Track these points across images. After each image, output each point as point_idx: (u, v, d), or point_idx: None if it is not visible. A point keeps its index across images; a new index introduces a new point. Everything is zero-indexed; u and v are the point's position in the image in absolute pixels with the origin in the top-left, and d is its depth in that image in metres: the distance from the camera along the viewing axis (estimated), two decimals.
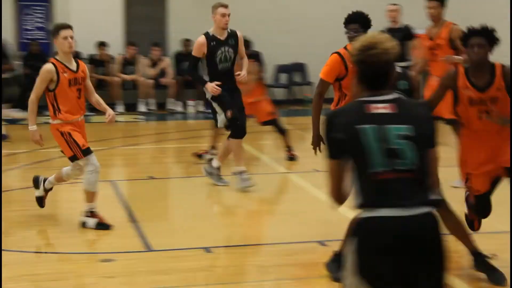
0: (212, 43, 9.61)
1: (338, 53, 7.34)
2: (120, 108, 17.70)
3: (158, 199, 10.55)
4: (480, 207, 7.01)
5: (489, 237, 7.62)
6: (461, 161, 6.93)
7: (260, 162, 12.75)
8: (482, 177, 6.82)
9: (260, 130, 13.52)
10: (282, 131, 12.36)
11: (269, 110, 12.37)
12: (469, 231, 7.21)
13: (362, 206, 4.13)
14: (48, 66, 8.08)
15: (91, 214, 8.37)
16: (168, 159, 13.98)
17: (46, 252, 7.98)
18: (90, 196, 8.36)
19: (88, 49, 17.77)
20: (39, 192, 8.81)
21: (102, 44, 17.98)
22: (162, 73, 18.29)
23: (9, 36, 18.11)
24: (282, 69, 19.04)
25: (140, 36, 18.46)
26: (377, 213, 4.09)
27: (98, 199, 9.31)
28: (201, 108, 17.95)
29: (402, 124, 4.16)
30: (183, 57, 18.15)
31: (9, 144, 13.80)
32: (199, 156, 12.30)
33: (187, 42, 18.17)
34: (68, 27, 8.18)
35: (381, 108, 4.18)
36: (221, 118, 9.89)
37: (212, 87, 9.68)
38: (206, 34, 9.84)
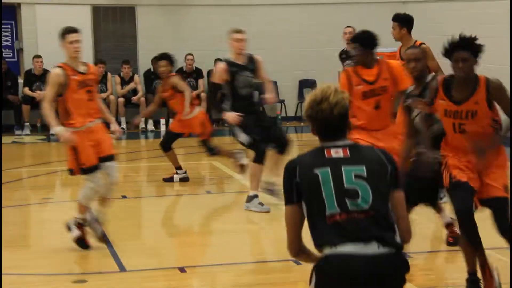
0: (232, 69, 9.63)
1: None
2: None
3: (131, 219, 10.55)
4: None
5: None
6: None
7: (233, 180, 12.78)
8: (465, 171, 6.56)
9: (234, 148, 13.51)
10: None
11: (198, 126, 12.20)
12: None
13: (320, 246, 4.27)
14: (56, 70, 8.01)
15: (78, 225, 8.27)
16: (140, 178, 13.95)
17: (18, 274, 7.88)
18: (82, 208, 8.25)
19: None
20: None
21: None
22: (133, 91, 18.27)
23: None
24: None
25: (109, 54, 18.44)
26: (335, 251, 4.21)
27: (65, 219, 9.29)
28: None
29: (356, 165, 4.32)
30: (153, 75, 18.19)
31: None
32: (169, 179, 12.33)
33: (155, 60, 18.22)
34: (74, 31, 8.19)
35: (337, 152, 4.33)
36: (242, 137, 9.89)
37: (232, 117, 9.72)
38: (226, 60, 9.89)
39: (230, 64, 9.69)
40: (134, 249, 8.67)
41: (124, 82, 18.29)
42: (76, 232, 8.24)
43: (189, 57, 18.23)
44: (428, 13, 16.70)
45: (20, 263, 8.18)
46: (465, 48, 6.31)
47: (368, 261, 4.18)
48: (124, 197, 11.41)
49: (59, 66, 8.04)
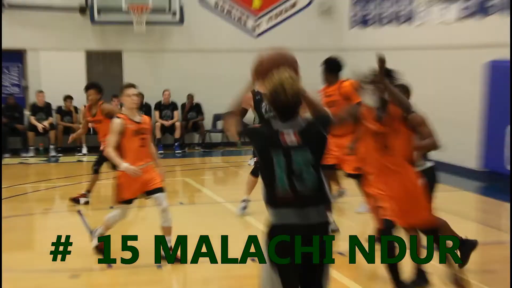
0: (257, 97, 9.60)
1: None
2: (84, 149, 17.60)
3: (119, 225, 10.53)
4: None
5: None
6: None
7: (202, 194, 12.83)
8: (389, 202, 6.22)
9: (203, 167, 13.58)
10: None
11: None
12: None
13: (269, 205, 4.44)
14: (117, 120, 7.77)
15: (98, 237, 8.24)
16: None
17: (24, 271, 7.85)
18: (105, 225, 8.22)
19: (56, 101, 17.72)
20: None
21: (68, 97, 17.87)
22: None
23: None
24: (218, 117, 19.19)
25: None
26: (282, 217, 4.40)
27: (67, 226, 9.27)
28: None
29: (304, 150, 4.39)
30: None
31: None
32: (76, 200, 11.42)
33: (139, 95, 18.20)
34: (132, 86, 7.99)
35: (289, 137, 4.39)
36: (253, 160, 9.94)
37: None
38: (252, 90, 9.88)
39: (255, 93, 9.63)
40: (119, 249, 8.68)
41: None
42: (95, 243, 8.19)
43: (166, 92, 18.27)
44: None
45: (26, 262, 8.18)
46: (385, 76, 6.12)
47: (308, 228, 4.37)
48: (112, 207, 11.41)
49: (118, 117, 7.84)
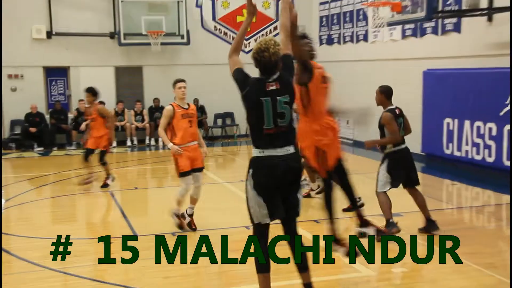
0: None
1: None
2: (114, 143, 17.41)
3: (142, 202, 10.43)
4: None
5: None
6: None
7: (206, 176, 12.65)
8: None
9: (207, 155, 13.42)
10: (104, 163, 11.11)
11: (105, 143, 11.10)
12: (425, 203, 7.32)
13: (257, 147, 4.51)
14: (168, 107, 7.66)
15: (175, 215, 7.84)
16: (147, 175, 13.80)
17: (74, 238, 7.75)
18: (178, 202, 7.80)
19: None
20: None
21: (101, 103, 17.62)
22: (142, 120, 18.06)
23: (43, 99, 17.78)
24: (218, 116, 19.04)
25: (126, 97, 18.25)
26: (265, 153, 4.48)
27: (99, 203, 9.09)
28: None
29: (284, 95, 4.48)
30: (154, 109, 18.04)
31: (41, 167, 13.52)
32: (105, 185, 10.96)
33: (156, 100, 18.12)
34: (182, 81, 7.76)
35: (272, 86, 4.46)
36: None
37: None
38: None
39: None
40: (144, 221, 8.55)
41: (136, 114, 18.07)
42: (176, 221, 7.83)
43: None
44: None
45: (70, 231, 7.95)
46: None
47: (285, 158, 4.48)
48: (136, 188, 11.28)
49: (170, 104, 7.70)
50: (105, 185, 11.02)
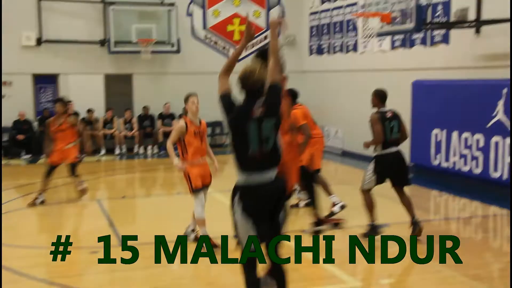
0: None
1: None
2: (103, 151, 17.36)
3: (130, 211, 10.35)
4: None
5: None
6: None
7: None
8: None
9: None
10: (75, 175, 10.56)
11: (75, 154, 10.63)
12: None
13: (242, 172, 4.41)
14: (181, 122, 7.52)
15: (192, 231, 7.81)
16: (135, 184, 13.74)
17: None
18: (200, 222, 7.53)
19: (81, 113, 17.42)
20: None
21: (90, 110, 17.65)
22: (131, 128, 17.99)
23: (31, 106, 17.67)
24: (208, 125, 18.87)
25: (116, 104, 18.17)
26: (251, 178, 4.39)
27: (86, 212, 8.99)
28: (155, 151, 17.72)
29: (269, 119, 4.39)
30: (144, 118, 17.99)
31: (28, 175, 13.39)
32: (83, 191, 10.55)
33: (145, 108, 18.08)
34: (195, 95, 7.69)
35: (258, 111, 4.37)
36: None
37: None
38: None
39: None
40: (132, 228, 8.49)
41: (126, 122, 18.00)
42: (193, 235, 7.76)
43: (167, 105, 17.98)
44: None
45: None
46: None
47: (271, 181, 4.41)
48: (124, 197, 11.22)
49: (183, 119, 7.58)
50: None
